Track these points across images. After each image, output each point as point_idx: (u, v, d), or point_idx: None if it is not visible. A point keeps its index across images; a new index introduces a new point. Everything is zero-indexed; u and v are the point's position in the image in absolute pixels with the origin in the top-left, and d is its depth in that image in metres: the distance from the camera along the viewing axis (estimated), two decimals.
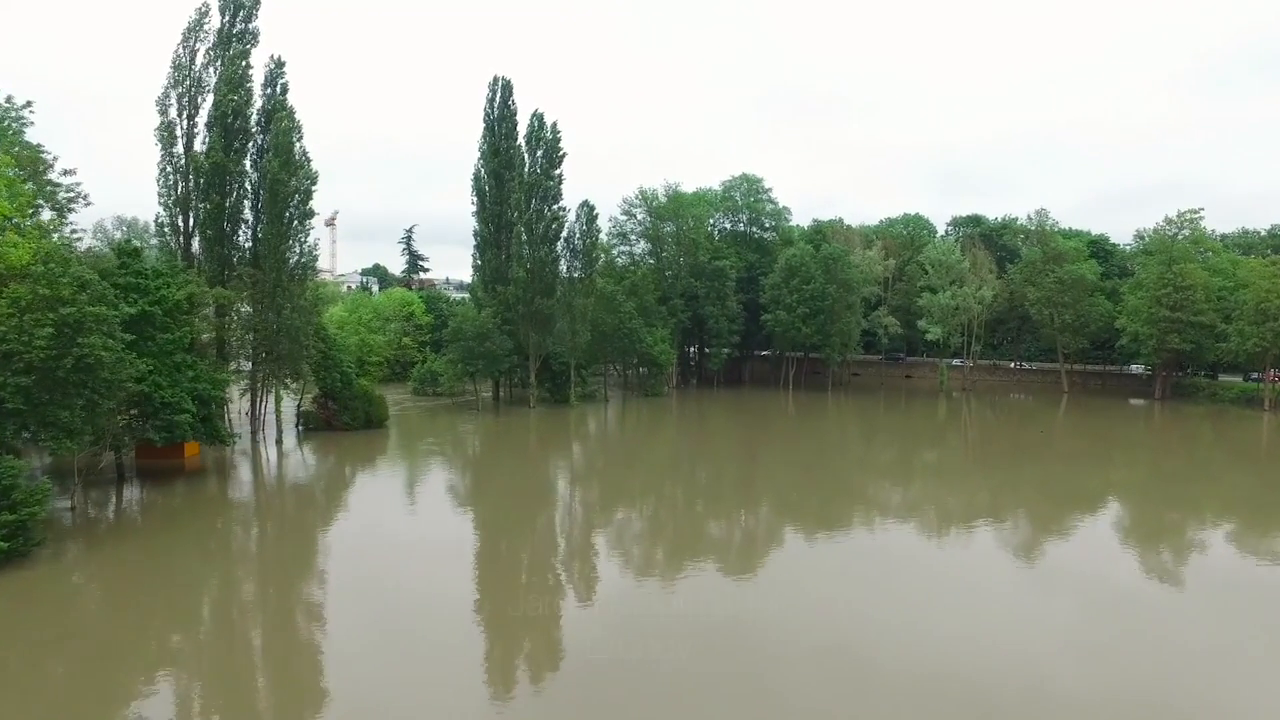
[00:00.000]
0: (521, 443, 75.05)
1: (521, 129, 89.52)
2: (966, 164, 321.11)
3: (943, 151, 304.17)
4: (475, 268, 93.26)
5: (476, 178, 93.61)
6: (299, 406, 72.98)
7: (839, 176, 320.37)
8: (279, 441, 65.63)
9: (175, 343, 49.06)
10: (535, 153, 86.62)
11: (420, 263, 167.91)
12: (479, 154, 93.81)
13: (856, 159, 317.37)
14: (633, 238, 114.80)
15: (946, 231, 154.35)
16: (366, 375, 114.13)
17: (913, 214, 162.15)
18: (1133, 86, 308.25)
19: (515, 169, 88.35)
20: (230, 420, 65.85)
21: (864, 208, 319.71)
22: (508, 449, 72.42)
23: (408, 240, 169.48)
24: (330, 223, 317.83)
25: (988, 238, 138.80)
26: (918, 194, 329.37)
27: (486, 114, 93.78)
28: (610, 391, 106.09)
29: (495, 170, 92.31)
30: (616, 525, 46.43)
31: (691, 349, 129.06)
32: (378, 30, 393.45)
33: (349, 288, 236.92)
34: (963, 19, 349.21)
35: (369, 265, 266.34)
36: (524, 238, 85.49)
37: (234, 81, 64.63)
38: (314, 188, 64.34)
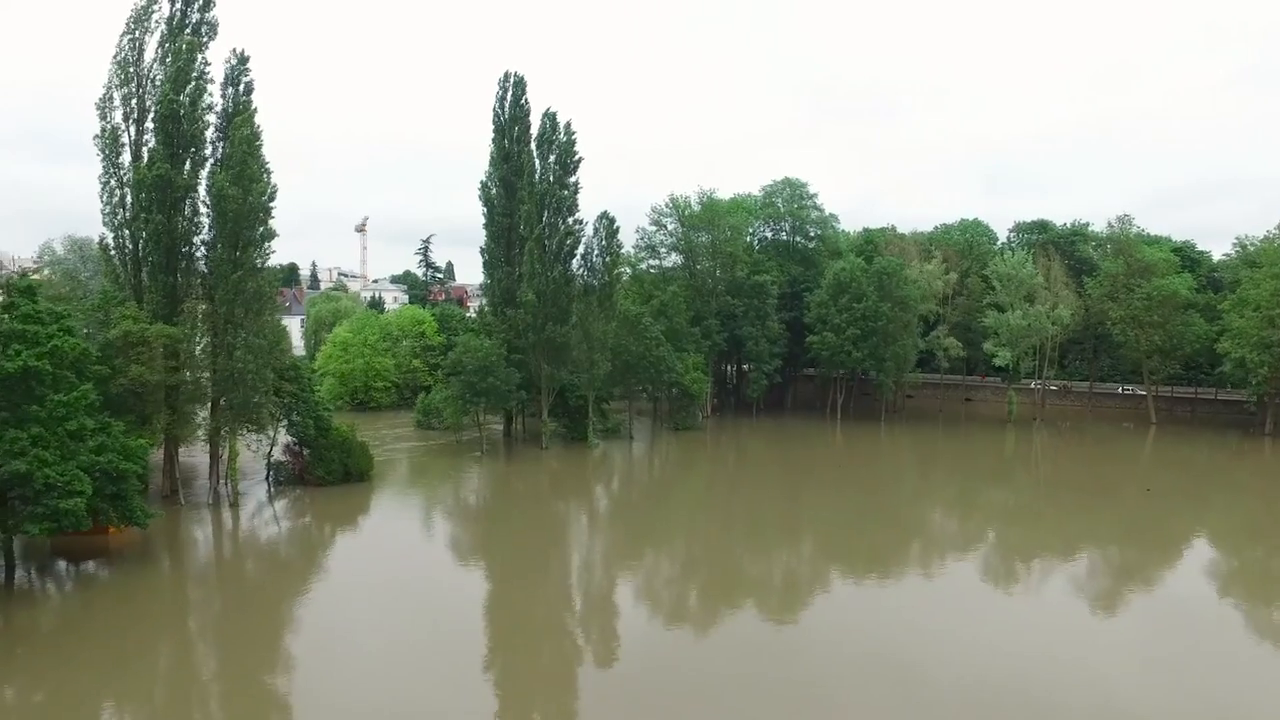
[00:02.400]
0: (523, 503, 64.07)
1: (536, 132, 78.80)
2: (1012, 163, 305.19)
3: (988, 150, 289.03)
4: (484, 288, 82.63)
5: (484, 186, 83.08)
6: (269, 456, 62.99)
7: (880, 178, 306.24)
8: (234, 505, 55.46)
9: (71, 405, 38.96)
10: (547, 158, 75.75)
11: (437, 274, 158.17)
12: (488, 160, 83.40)
13: (898, 159, 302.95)
14: (663, 250, 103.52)
15: (1009, 239, 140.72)
16: (372, 400, 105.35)
17: (970, 219, 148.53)
18: (1186, 81, 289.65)
19: (527, 176, 77.61)
20: (176, 480, 56.11)
21: (907, 210, 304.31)
22: (506, 513, 61.61)
23: (425, 251, 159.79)
24: (361, 228, 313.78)
25: (1057, 247, 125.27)
26: (962, 194, 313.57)
27: (496, 114, 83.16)
28: (637, 421, 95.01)
29: (505, 178, 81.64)
30: (635, 645, 35.27)
31: (728, 367, 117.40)
32: (415, 30, 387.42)
33: (377, 296, 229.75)
34: (1008, 13, 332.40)
35: (400, 271, 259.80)
36: (535, 255, 74.70)
37: (182, 79, 54.69)
38: (272, 204, 54.10)
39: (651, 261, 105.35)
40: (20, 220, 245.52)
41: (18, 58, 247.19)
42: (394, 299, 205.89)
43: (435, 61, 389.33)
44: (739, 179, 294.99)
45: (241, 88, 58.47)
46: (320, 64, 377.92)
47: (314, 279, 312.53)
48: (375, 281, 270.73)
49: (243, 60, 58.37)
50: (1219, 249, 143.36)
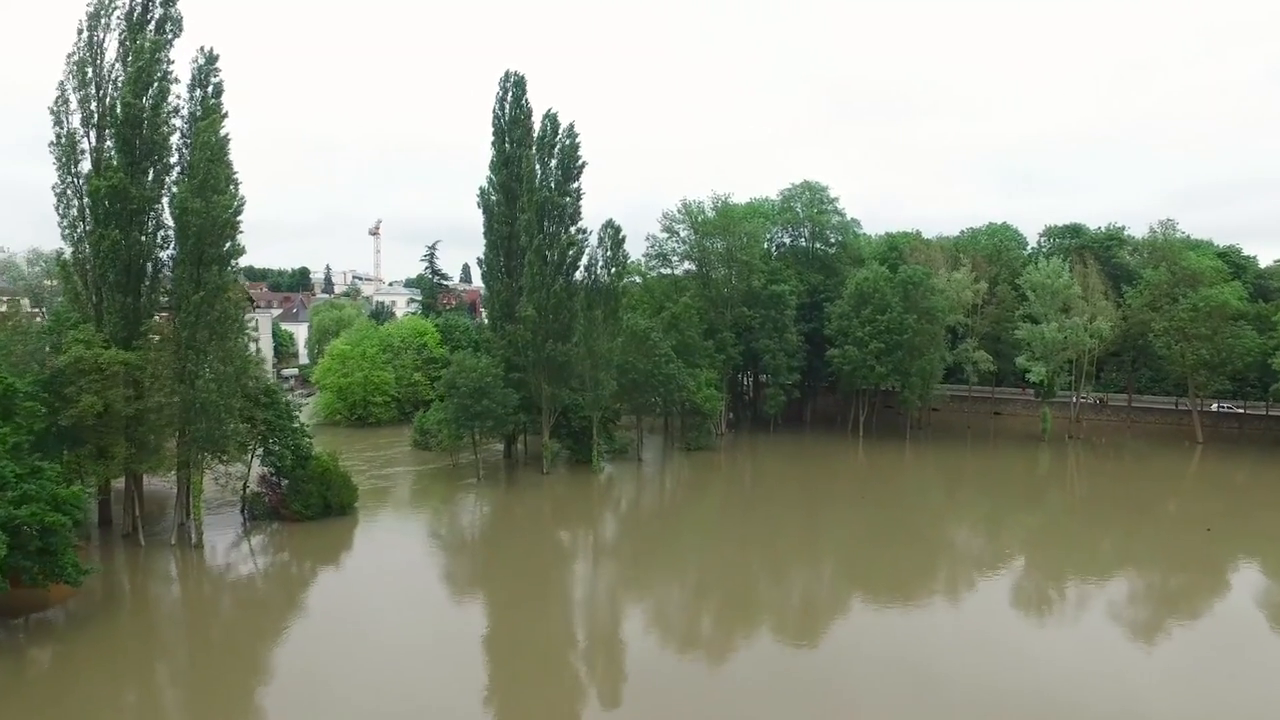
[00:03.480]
0: (517, 538, 58.95)
1: (537, 134, 73.65)
2: (1036, 162, 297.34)
3: (1011, 149, 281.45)
4: (483, 300, 77.63)
5: (483, 193, 78.15)
6: (244, 488, 58.32)
7: (901, 178, 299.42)
8: (197, 545, 50.62)
9: None
10: (548, 162, 70.60)
11: (443, 281, 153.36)
12: (488, 165, 78.44)
13: (920, 159, 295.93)
14: (675, 259, 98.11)
15: (1039, 244, 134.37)
16: (371, 416, 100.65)
17: (998, 223, 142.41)
18: (1212, 78, 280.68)
19: (527, 182, 72.49)
20: (137, 518, 51.46)
21: (929, 210, 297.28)
22: (498, 549, 56.54)
23: (430, 257, 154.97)
24: (374, 231, 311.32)
25: (1093, 253, 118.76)
26: (985, 194, 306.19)
27: (495, 116, 78.25)
28: (648, 438, 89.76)
29: (505, 183, 76.65)
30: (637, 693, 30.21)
31: (745, 378, 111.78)
32: (431, 29, 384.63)
33: (389, 302, 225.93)
34: (1029, 11, 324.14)
35: (415, 275, 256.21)
36: (535, 267, 69.63)
37: (143, 81, 50.12)
38: (239, 218, 49.29)
39: (663, 270, 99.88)
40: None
41: (43, 60, 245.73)
42: (408, 302, 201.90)
43: (456, 62, 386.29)
44: (756, 182, 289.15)
45: (210, 89, 53.88)
46: (347, 65, 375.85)
47: (327, 282, 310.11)
48: (390, 284, 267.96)
49: (211, 59, 53.73)
50: (1250, 249, 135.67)
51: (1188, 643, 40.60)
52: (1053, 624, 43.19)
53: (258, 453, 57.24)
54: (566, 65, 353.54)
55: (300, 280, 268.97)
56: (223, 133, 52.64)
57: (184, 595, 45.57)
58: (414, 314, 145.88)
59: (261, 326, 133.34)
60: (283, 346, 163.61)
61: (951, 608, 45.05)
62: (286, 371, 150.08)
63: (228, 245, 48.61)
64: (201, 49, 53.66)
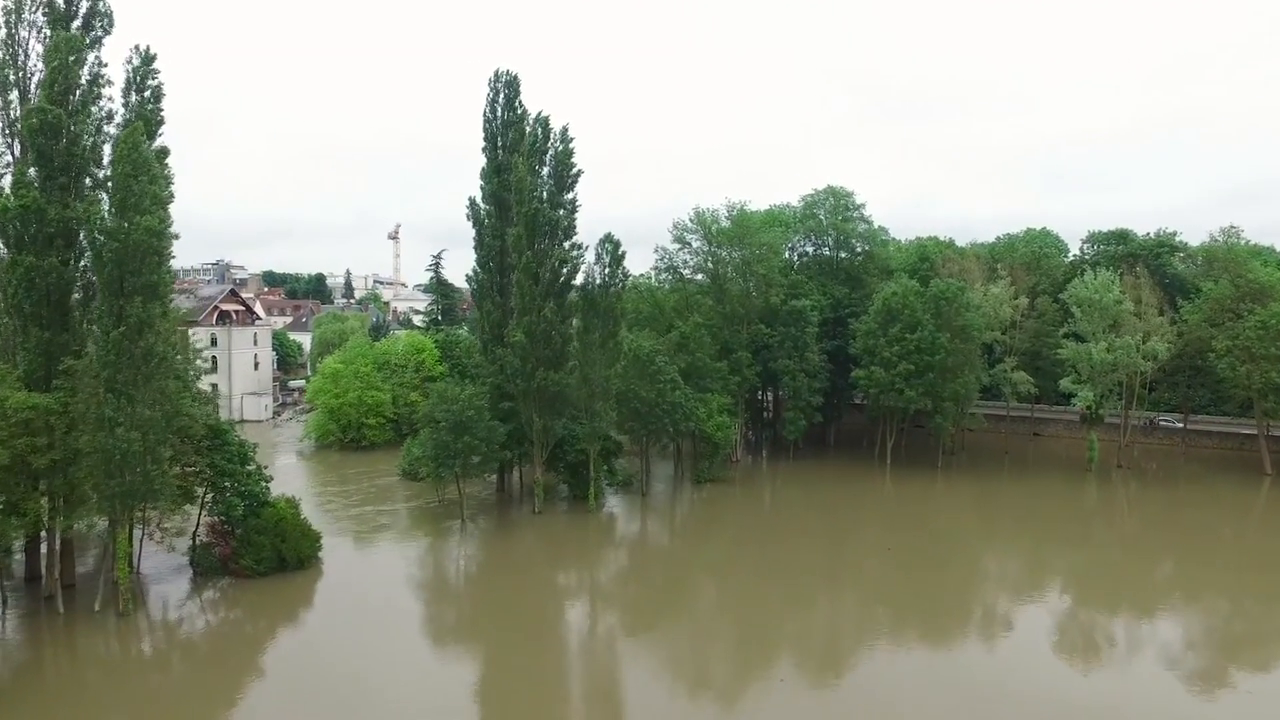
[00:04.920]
0: (499, 592, 52.14)
1: (528, 140, 66.88)
2: (1072, 160, 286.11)
3: (1044, 148, 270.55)
4: (470, 323, 71.27)
5: (473, 204, 71.58)
6: (194, 537, 52.26)
7: (931, 179, 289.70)
8: (123, 614, 44.44)
9: None
10: (539, 171, 63.86)
11: (448, 292, 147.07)
12: (479, 173, 71.85)
13: (950, 159, 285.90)
14: (686, 271, 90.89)
15: (1082, 251, 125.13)
16: (364, 439, 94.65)
17: (1037, 229, 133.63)
18: (1253, 74, 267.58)
19: (517, 193, 65.83)
20: (56, 582, 45.43)
21: (961, 209, 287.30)
22: (477, 608, 49.73)
23: (436, 267, 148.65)
24: (393, 235, 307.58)
25: (1139, 259, 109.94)
26: (1019, 194, 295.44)
27: (486, 120, 71.69)
28: (655, 465, 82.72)
29: (496, 193, 70.06)
30: None
31: (764, 394, 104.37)
32: (452, 25, 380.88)
33: (407, 310, 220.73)
34: (1068, 9, 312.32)
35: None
36: (524, 287, 63.02)
37: (61, 85, 44.19)
38: (170, 247, 43.07)
39: (673, 281, 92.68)
40: None
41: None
42: (426, 307, 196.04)
43: (479, 62, 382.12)
44: (783, 184, 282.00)
45: (149, 94, 48.08)
46: (380, 68, 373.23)
47: (348, 286, 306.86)
48: (413, 288, 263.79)
49: (147, 60, 47.97)
50: None
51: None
52: (1099, 674, 37.34)
53: (207, 499, 51.19)
54: (593, 65, 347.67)
55: (316, 286, 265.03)
56: (157, 143, 46.99)
57: (78, 686, 39.07)
58: (429, 321, 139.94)
59: (263, 340, 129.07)
60: (290, 357, 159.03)
61: (995, 664, 38.09)
62: (294, 383, 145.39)
63: (154, 275, 42.28)
64: (136, 48, 47.96)
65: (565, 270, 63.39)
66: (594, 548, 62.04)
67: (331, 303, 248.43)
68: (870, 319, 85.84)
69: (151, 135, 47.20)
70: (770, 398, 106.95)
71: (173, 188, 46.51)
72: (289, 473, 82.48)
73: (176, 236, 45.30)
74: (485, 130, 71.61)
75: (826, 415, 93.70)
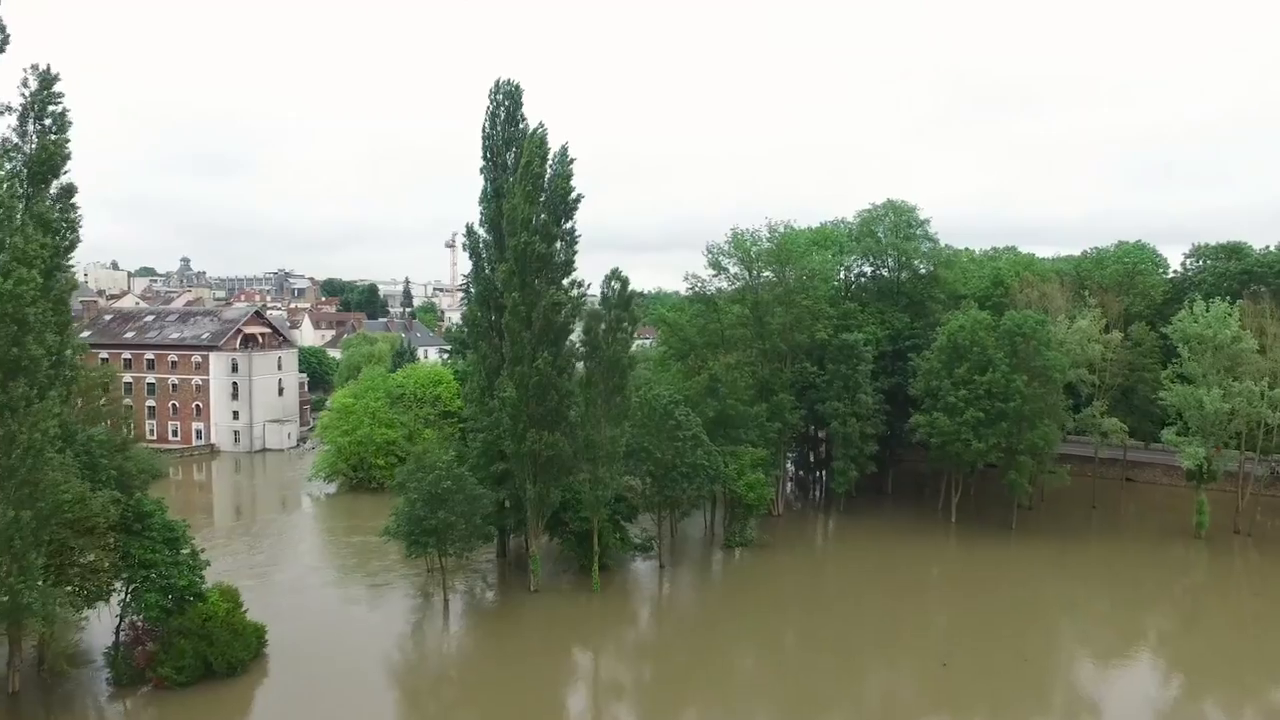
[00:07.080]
0: (473, 707, 43.46)
1: (521, 161, 57.83)
2: (1163, 154, 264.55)
3: (1131, 141, 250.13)
4: (460, 375, 63.35)
5: (470, 232, 63.05)
6: (117, 633, 44.96)
7: (1006, 178, 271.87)
8: None
9: None
10: (534, 198, 54.74)
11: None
12: (478, 196, 63.32)
13: (1031, 155, 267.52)
14: (721, 301, 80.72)
15: (1184, 266, 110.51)
16: (372, 480, 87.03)
17: (1130, 242, 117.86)
18: None
19: (509, 223, 56.96)
20: None
21: (1040, 209, 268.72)
22: None
23: (467, 288, 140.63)
24: (450, 244, 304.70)
25: (1256, 278, 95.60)
26: (1103, 192, 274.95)
27: (486, 137, 63.03)
28: (679, 523, 72.93)
29: (495, 220, 61.38)
30: None
31: (812, 430, 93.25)
32: (498, 32, 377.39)
33: (459, 324, 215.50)
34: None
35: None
36: (514, 333, 54.23)
37: None
38: (32, 309, 35.28)
39: (706, 312, 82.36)
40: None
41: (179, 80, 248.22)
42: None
43: (546, 71, 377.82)
44: (848, 187, 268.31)
45: (50, 122, 40.70)
46: (472, 71, 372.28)
47: (406, 295, 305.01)
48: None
49: (47, 82, 40.47)
50: None
51: None
52: None
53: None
54: (643, 67, 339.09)
55: (368, 298, 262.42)
56: (63, 180, 39.78)
57: None
58: (458, 346, 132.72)
59: (288, 364, 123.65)
60: (329, 376, 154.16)
61: None
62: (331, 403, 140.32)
63: (40, 347, 34.62)
64: (34, 68, 40.49)
65: (562, 316, 54.27)
66: (593, 642, 52.94)
67: (387, 314, 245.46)
68: (934, 356, 74.56)
69: (55, 171, 40.27)
70: (820, 433, 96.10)
71: (75, 235, 39.53)
72: (276, 525, 76.01)
73: (75, 287, 38.13)
74: (484, 147, 62.86)
75: (881, 462, 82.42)
